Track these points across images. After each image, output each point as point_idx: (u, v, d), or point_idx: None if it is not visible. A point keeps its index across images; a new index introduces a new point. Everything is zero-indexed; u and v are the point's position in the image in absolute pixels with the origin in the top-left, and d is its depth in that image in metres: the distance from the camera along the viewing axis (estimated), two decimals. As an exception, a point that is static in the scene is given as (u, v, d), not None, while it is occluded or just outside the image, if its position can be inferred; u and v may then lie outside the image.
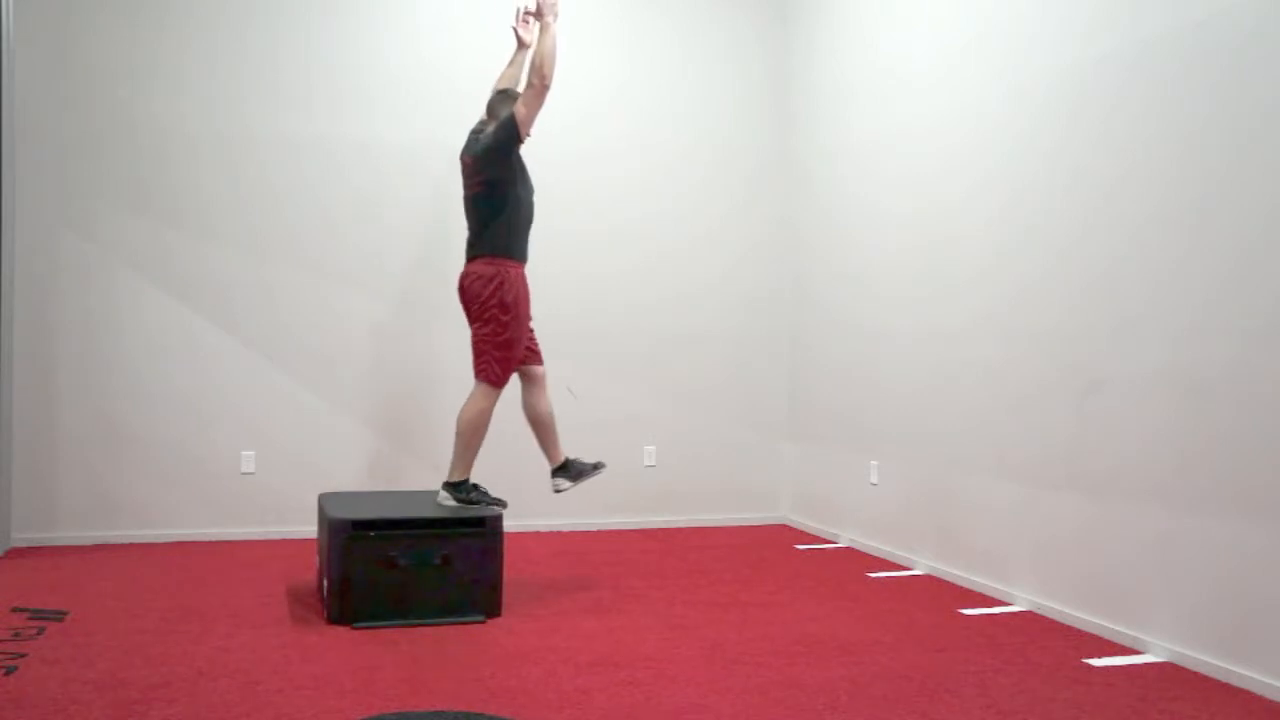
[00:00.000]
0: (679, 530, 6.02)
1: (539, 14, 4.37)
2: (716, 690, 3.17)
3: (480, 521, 4.04)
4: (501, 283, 4.27)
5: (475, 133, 4.52)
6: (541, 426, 4.51)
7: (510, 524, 5.87)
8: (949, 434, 4.77)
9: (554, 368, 6.00)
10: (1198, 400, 3.45)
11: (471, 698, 3.07)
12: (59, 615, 3.94)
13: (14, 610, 4.00)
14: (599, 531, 5.95)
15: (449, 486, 4.28)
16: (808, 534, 5.97)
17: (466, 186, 4.41)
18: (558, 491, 4.56)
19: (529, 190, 4.45)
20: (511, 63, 4.75)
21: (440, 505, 4.24)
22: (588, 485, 5.99)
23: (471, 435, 4.29)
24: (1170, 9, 3.58)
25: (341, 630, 3.80)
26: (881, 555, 5.28)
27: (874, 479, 5.39)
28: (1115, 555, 3.79)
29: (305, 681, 3.20)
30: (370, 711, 2.95)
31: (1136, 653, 3.63)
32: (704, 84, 6.25)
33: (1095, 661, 3.53)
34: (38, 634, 3.68)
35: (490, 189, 4.31)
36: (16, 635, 3.66)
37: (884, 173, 5.31)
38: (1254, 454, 3.25)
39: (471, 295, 4.33)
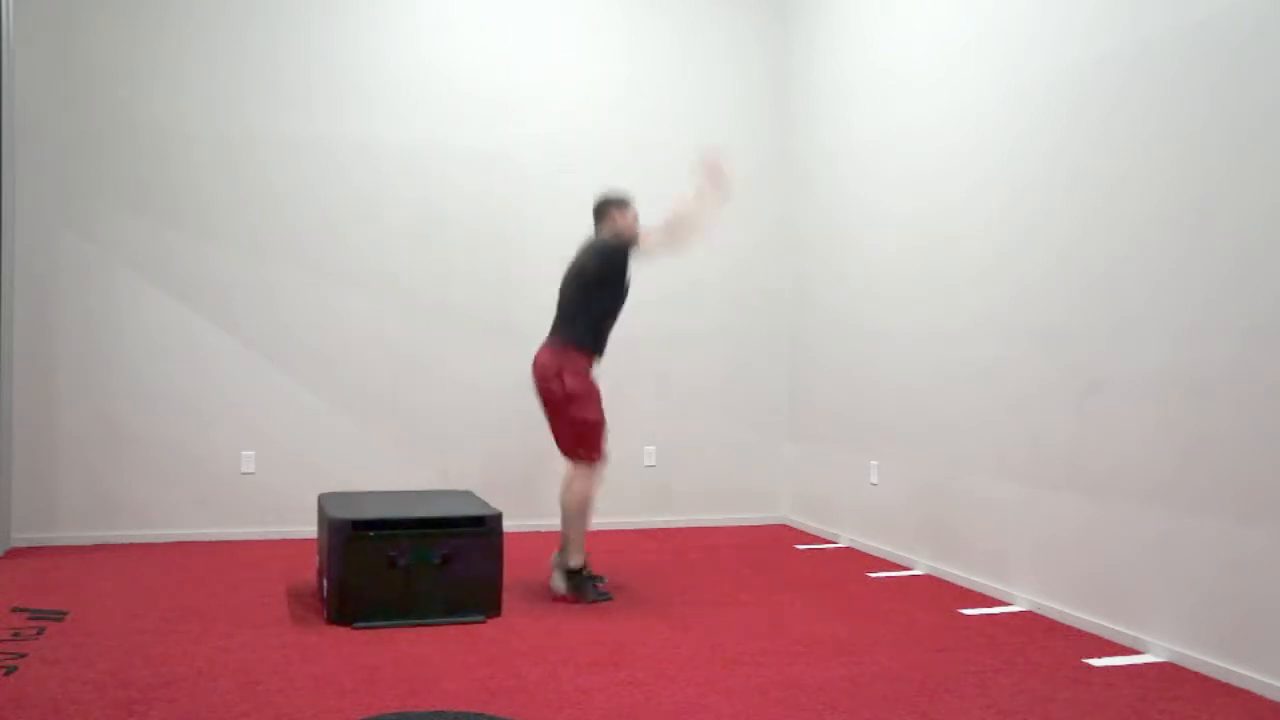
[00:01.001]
0: (679, 530, 6.02)
1: (707, 182, 4.36)
2: (716, 690, 3.17)
3: (480, 521, 4.04)
4: (580, 369, 4.38)
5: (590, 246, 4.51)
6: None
7: (510, 524, 5.88)
8: (949, 434, 4.77)
9: (554, 368, 6.02)
10: (1198, 400, 3.45)
11: (471, 698, 3.07)
12: (59, 615, 3.94)
13: (14, 610, 4.00)
14: (599, 531, 5.94)
15: (566, 572, 4.34)
16: (808, 534, 5.97)
17: (576, 277, 4.45)
18: (552, 588, 4.40)
19: (624, 299, 4.50)
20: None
21: (553, 590, 4.34)
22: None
23: (578, 517, 4.33)
24: (1170, 9, 3.58)
25: (341, 630, 3.80)
26: (881, 555, 5.28)
27: (874, 479, 5.39)
28: (1115, 555, 3.79)
29: (305, 681, 3.20)
30: (370, 711, 2.95)
31: (1136, 653, 3.63)
32: (704, 84, 6.25)
33: (1095, 661, 3.53)
34: (38, 634, 3.68)
35: (598, 286, 4.39)
36: (16, 635, 3.66)
37: (884, 173, 5.31)
38: (1254, 454, 3.25)
39: (550, 382, 4.38)
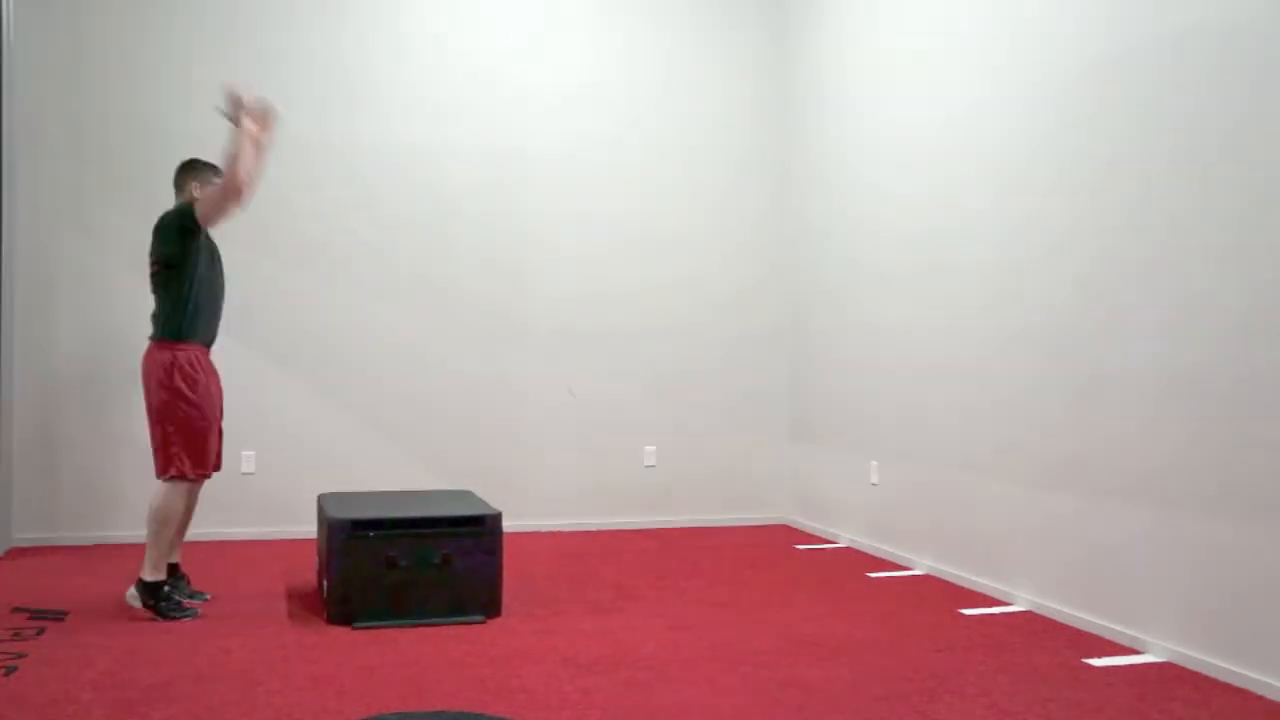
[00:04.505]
0: (679, 530, 6.02)
1: (234, 116, 3.88)
2: (716, 690, 3.17)
3: (480, 521, 4.04)
4: (173, 368, 3.95)
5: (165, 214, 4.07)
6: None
7: (510, 524, 5.87)
8: (949, 434, 4.77)
9: (555, 369, 6.02)
10: (1198, 400, 3.44)
11: (471, 698, 3.07)
12: (59, 615, 3.94)
13: (14, 610, 4.00)
14: (599, 531, 5.95)
15: (141, 586, 3.92)
16: (808, 534, 5.97)
17: (149, 265, 4.04)
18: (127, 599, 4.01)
19: (216, 269, 4.12)
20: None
21: (129, 602, 3.94)
22: (588, 484, 6.02)
23: (160, 529, 3.90)
24: (1161, 12, 3.58)
25: (341, 630, 3.80)
26: (881, 555, 5.28)
27: (874, 479, 5.39)
28: (1115, 555, 3.79)
29: (305, 681, 3.20)
30: (370, 711, 2.95)
31: (1136, 653, 3.63)
32: (704, 76, 6.25)
33: (1095, 661, 3.53)
34: (38, 634, 3.68)
35: (166, 270, 3.97)
36: (16, 635, 3.66)
37: (884, 176, 5.30)
38: (1254, 453, 3.25)
39: (146, 386, 3.99)
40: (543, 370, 6.01)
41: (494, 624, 3.92)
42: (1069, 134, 4.03)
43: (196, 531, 5.47)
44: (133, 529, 5.42)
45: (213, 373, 4.15)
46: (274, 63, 5.61)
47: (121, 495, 5.40)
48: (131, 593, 3.95)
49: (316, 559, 4.91)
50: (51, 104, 5.36)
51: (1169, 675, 3.39)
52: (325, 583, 3.99)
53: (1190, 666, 3.45)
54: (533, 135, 5.98)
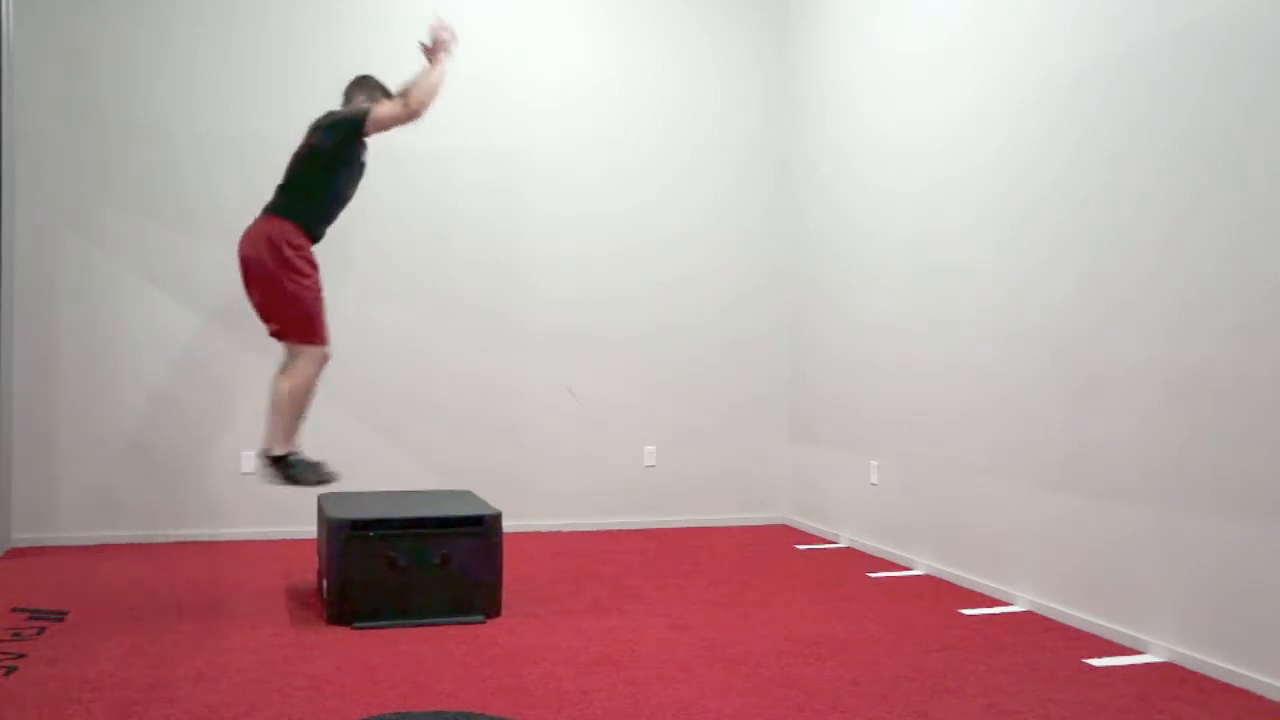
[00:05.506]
0: (679, 530, 6.02)
1: (433, 50, 4.29)
2: (716, 690, 3.17)
3: (480, 521, 4.04)
4: (283, 240, 4.07)
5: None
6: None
7: (510, 524, 5.87)
8: (949, 434, 4.77)
9: (555, 369, 6.03)
10: (1198, 400, 3.44)
11: (471, 698, 3.07)
12: (59, 615, 3.94)
13: (14, 610, 4.00)
14: (599, 531, 5.95)
15: (269, 459, 4.06)
16: (808, 534, 5.97)
17: (300, 149, 4.23)
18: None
19: (354, 181, 4.32)
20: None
21: (257, 473, 4.04)
22: (588, 485, 6.03)
23: (301, 401, 4.08)
24: (1170, 10, 3.58)
25: (341, 630, 3.80)
26: (881, 555, 5.28)
27: (874, 479, 5.39)
28: (1115, 555, 3.79)
29: (305, 681, 3.20)
30: (370, 711, 2.95)
31: (1136, 653, 3.63)
32: (702, 73, 6.25)
33: (1095, 661, 3.53)
34: (38, 634, 3.68)
35: (314, 159, 4.16)
36: (16, 635, 3.66)
37: (883, 175, 5.30)
38: (1254, 452, 3.25)
39: (255, 258, 4.07)
40: (543, 370, 6.01)
41: (494, 624, 3.93)
42: (1069, 134, 4.03)
43: (197, 531, 5.49)
44: (133, 529, 5.44)
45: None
46: (274, 63, 5.61)
47: (121, 495, 5.40)
48: (259, 465, 4.06)
49: (316, 559, 4.91)
50: (51, 104, 5.36)
51: (1169, 675, 3.39)
52: (325, 583, 3.99)
53: (1190, 666, 3.45)
54: (533, 135, 5.98)
